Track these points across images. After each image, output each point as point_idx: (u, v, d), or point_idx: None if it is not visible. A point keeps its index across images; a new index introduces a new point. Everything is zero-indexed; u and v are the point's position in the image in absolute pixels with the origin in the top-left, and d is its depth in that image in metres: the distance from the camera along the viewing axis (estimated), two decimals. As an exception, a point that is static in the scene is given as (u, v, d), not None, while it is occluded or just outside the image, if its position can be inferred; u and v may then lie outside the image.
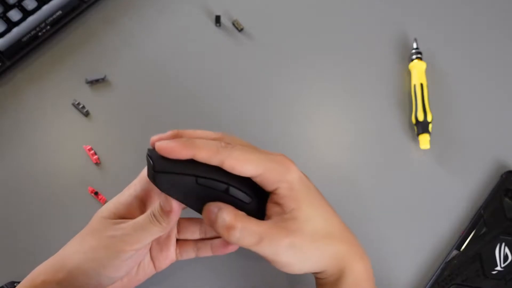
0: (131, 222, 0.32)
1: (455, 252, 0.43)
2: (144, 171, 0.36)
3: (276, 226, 0.30)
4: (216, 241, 0.39)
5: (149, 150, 0.31)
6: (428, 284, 0.42)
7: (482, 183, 0.46)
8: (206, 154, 0.30)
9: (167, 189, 0.30)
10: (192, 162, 0.30)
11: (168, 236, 0.38)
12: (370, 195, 0.45)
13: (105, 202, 0.43)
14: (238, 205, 0.31)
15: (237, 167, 0.30)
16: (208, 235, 0.39)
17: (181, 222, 0.39)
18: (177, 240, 0.39)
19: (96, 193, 0.44)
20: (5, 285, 0.36)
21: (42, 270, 0.33)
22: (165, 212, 0.31)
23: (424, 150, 0.47)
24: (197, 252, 0.39)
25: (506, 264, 0.42)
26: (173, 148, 0.29)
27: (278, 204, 0.31)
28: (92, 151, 0.45)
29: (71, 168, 0.45)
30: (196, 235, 0.39)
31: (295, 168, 0.32)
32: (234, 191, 0.31)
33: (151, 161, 0.30)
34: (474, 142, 0.48)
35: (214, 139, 0.32)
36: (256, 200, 0.32)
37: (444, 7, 0.53)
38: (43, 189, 0.44)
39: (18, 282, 0.35)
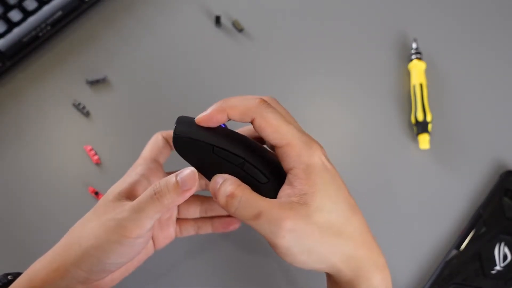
0: (131, 204, 0.30)
1: (454, 252, 0.43)
2: (145, 151, 0.37)
3: (280, 205, 0.28)
4: (217, 220, 0.39)
5: (179, 116, 0.31)
6: (428, 284, 0.42)
7: (481, 183, 0.46)
8: (239, 111, 0.29)
9: (184, 154, 0.30)
10: (215, 132, 0.30)
11: (169, 216, 0.38)
12: (369, 195, 0.46)
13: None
14: (253, 184, 0.30)
15: (264, 129, 0.29)
16: (209, 214, 0.39)
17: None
18: (177, 219, 0.39)
19: (96, 193, 0.44)
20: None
21: (42, 267, 0.31)
22: (183, 190, 0.29)
23: (424, 150, 0.47)
24: (197, 230, 0.39)
25: (506, 263, 0.42)
26: (209, 115, 0.30)
27: (291, 186, 0.29)
28: (92, 151, 0.45)
29: (72, 168, 0.45)
30: (197, 214, 0.39)
31: (320, 153, 0.29)
32: (249, 168, 0.30)
33: (175, 124, 0.30)
34: (473, 142, 0.48)
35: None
36: (273, 183, 0.30)
37: (444, 7, 0.53)
38: (44, 189, 0.44)
39: (11, 274, 0.34)
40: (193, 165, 0.31)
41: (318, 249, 0.28)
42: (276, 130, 0.29)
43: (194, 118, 0.31)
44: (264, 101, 0.30)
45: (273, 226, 0.27)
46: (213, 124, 0.30)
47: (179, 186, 0.29)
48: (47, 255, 0.32)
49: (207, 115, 0.30)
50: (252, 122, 0.30)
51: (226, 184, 0.29)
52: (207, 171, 0.31)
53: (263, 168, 0.30)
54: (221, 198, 0.29)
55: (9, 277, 0.34)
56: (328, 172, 0.29)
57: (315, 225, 0.28)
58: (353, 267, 0.29)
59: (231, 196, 0.28)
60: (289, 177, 0.29)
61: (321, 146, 0.30)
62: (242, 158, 0.30)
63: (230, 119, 0.30)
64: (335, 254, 0.29)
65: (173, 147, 0.37)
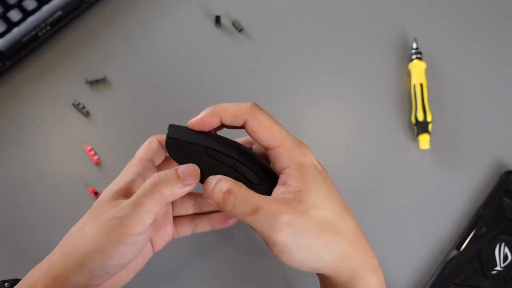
0: (129, 200, 0.29)
1: (454, 252, 0.43)
2: (140, 152, 0.37)
3: (276, 201, 0.28)
4: (214, 215, 0.38)
5: (170, 124, 0.32)
6: (428, 284, 0.42)
7: (482, 183, 0.46)
8: (232, 114, 0.30)
9: (177, 157, 0.31)
10: (207, 136, 0.31)
11: (165, 214, 0.37)
12: (369, 195, 0.46)
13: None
14: (246, 185, 0.30)
15: (258, 130, 0.30)
16: (203, 210, 0.39)
17: None
18: (173, 217, 0.38)
19: (96, 193, 0.44)
20: None
21: (40, 277, 0.29)
22: (184, 184, 0.29)
23: (424, 150, 0.47)
24: (194, 228, 0.39)
25: (506, 264, 0.42)
26: (202, 118, 0.31)
27: (285, 185, 0.29)
28: (92, 151, 0.45)
29: (71, 168, 0.45)
30: (191, 210, 0.39)
31: (310, 154, 0.30)
32: (242, 168, 0.31)
33: (167, 129, 0.31)
34: (473, 142, 0.48)
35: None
36: (266, 184, 0.31)
37: (444, 7, 0.53)
38: (43, 189, 0.44)
39: (8, 281, 0.33)
40: None
41: (316, 246, 0.28)
42: (269, 131, 0.30)
43: (185, 125, 0.32)
44: (256, 105, 0.31)
45: (270, 220, 0.27)
46: (206, 127, 0.31)
47: (180, 178, 0.29)
48: (43, 264, 0.30)
49: (200, 118, 0.31)
50: (244, 125, 0.30)
51: (221, 183, 0.29)
52: (200, 174, 0.31)
53: (255, 169, 0.31)
54: (217, 196, 0.29)
55: (6, 284, 0.33)
56: (319, 172, 0.30)
57: (312, 220, 0.28)
58: (350, 267, 0.29)
59: (228, 192, 0.28)
60: (282, 177, 0.30)
61: (310, 149, 0.31)
62: (235, 159, 0.31)
63: (222, 123, 0.31)
64: (333, 251, 0.28)
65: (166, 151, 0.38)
